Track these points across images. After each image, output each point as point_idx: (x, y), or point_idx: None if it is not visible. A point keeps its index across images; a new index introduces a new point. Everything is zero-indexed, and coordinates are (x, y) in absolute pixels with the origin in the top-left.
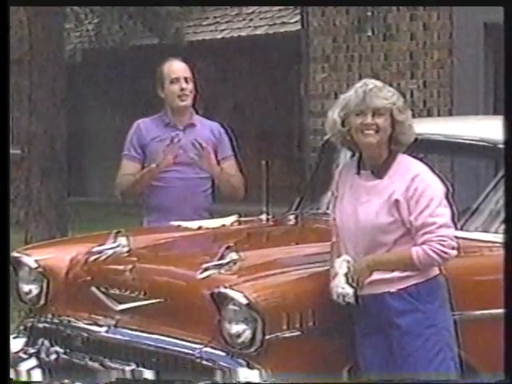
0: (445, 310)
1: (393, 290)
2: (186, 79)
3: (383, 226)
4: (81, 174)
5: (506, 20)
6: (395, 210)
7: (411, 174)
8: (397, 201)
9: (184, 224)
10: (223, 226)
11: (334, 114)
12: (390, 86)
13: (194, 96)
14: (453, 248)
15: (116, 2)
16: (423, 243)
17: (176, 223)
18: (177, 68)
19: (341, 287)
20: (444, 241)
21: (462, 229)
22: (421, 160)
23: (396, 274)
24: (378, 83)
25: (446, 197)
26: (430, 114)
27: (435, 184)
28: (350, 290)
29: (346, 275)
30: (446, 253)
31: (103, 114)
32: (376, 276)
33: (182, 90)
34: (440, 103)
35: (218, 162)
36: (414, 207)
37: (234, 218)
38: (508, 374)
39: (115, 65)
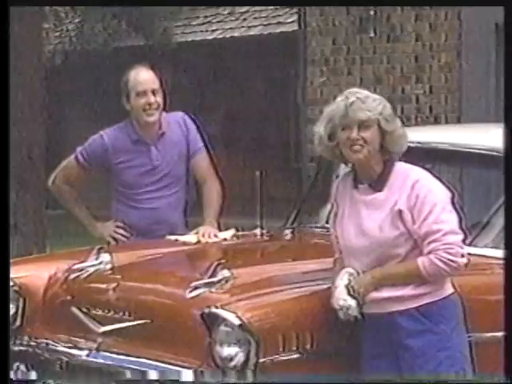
0: (460, 332)
1: (403, 308)
2: (153, 91)
3: (389, 240)
4: None
5: (506, 20)
6: (399, 221)
7: (410, 181)
8: (400, 211)
9: (182, 238)
10: (224, 239)
11: (320, 128)
12: (394, 90)
13: (163, 106)
14: (462, 256)
15: (114, 2)
16: (429, 252)
17: (173, 237)
18: (143, 79)
19: (342, 299)
20: (451, 248)
21: (470, 244)
22: (427, 170)
23: (407, 291)
24: (362, 94)
25: (452, 202)
26: (436, 122)
27: (437, 189)
28: (352, 302)
29: (347, 287)
30: (453, 261)
31: (85, 120)
32: (386, 293)
33: (150, 104)
34: (448, 110)
35: (189, 159)
36: (418, 215)
37: (233, 231)
38: (508, 374)
39: (98, 68)
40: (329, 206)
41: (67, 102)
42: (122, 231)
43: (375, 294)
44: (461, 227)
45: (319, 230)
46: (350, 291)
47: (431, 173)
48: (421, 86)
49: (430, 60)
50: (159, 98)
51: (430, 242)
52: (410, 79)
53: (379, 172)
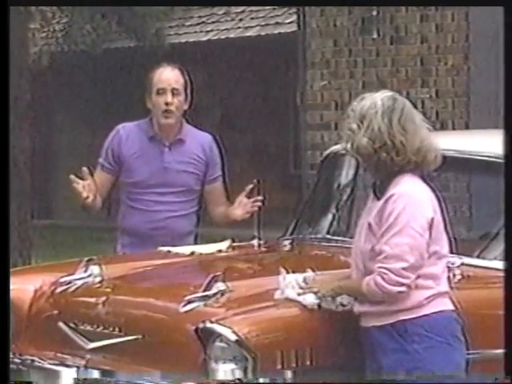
0: (438, 352)
1: (380, 324)
2: (173, 91)
3: (365, 252)
4: (47, 194)
5: (506, 20)
6: (371, 234)
7: (386, 196)
8: (369, 225)
9: (175, 250)
10: (219, 251)
11: None
12: (399, 94)
13: (185, 110)
14: (398, 284)
15: (114, 3)
16: (374, 272)
17: (165, 249)
18: (165, 77)
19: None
20: (385, 274)
21: (479, 256)
22: (431, 179)
23: (383, 307)
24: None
25: (430, 226)
26: (443, 127)
27: (409, 208)
28: (290, 292)
29: (289, 283)
30: (384, 287)
31: (72, 126)
32: (362, 308)
33: (167, 104)
34: (455, 115)
35: (205, 182)
36: (378, 231)
37: (228, 242)
38: (508, 374)
39: (86, 70)
40: (330, 216)
41: (54, 107)
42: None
43: (356, 308)
44: (419, 255)
45: (320, 241)
46: (291, 285)
47: (431, 187)
48: (427, 90)
49: (436, 63)
50: (179, 100)
51: (375, 262)
52: (415, 83)
53: (381, 181)
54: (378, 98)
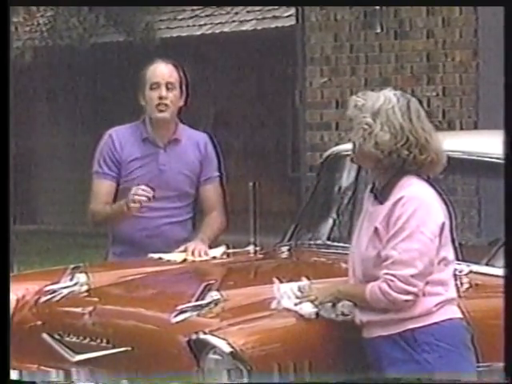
0: (449, 361)
1: (387, 334)
2: (168, 85)
3: (369, 259)
4: (30, 198)
5: (505, 20)
6: (377, 240)
7: (394, 199)
8: (376, 229)
9: (166, 257)
10: (214, 258)
11: None
12: (404, 92)
13: (180, 107)
14: (405, 292)
15: (115, 2)
16: (379, 278)
17: (156, 255)
18: (159, 72)
19: (277, 301)
20: (391, 280)
21: (488, 264)
22: (437, 182)
23: (389, 316)
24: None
25: (441, 231)
26: (450, 127)
27: (420, 213)
28: (286, 302)
29: (286, 293)
30: (389, 294)
31: (57, 126)
32: (366, 318)
33: (161, 98)
34: (463, 114)
35: (199, 184)
36: (386, 235)
37: (222, 249)
38: (508, 374)
39: (72, 66)
40: (330, 221)
41: (37, 105)
42: (141, 191)
43: (359, 317)
44: (429, 261)
45: (319, 247)
46: (288, 294)
47: (437, 191)
48: (433, 87)
49: (443, 59)
50: (174, 94)
51: (381, 268)
52: (420, 80)
53: (384, 183)
54: (390, 94)
